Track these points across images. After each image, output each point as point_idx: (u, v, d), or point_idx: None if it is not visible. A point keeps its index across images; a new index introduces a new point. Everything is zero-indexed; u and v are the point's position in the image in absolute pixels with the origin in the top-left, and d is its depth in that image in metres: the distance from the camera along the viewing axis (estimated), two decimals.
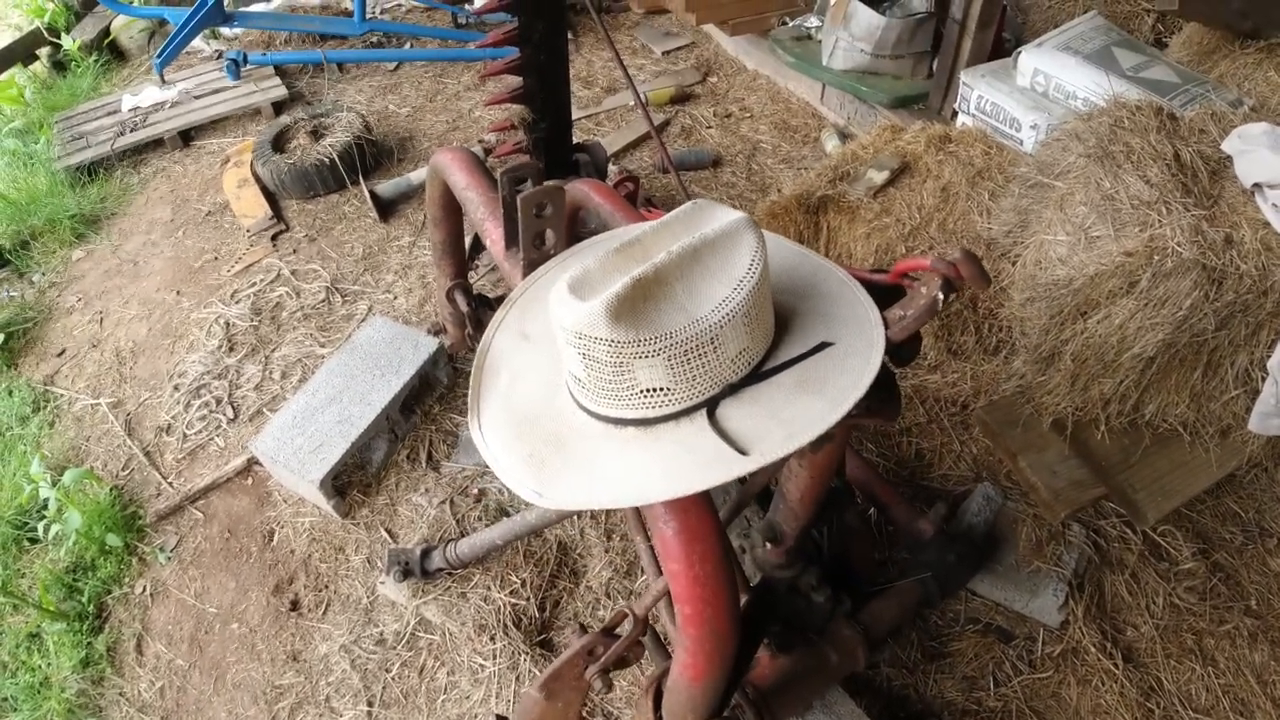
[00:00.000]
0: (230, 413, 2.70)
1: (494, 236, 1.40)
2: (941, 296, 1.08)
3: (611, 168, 3.18)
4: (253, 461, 2.50)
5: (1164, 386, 1.85)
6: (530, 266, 1.27)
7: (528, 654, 2.02)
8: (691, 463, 0.93)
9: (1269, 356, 1.71)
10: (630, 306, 0.91)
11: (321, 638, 2.16)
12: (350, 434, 2.25)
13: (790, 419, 0.96)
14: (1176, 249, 1.60)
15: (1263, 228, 1.63)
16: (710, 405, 0.99)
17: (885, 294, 1.32)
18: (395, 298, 3.02)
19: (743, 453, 0.93)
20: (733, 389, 1.00)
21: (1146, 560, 2.10)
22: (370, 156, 3.67)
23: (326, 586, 2.26)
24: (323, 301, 3.05)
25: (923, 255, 1.12)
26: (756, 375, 1.01)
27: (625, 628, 1.26)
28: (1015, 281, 2.12)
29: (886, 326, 1.09)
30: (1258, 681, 1.92)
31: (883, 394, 1.13)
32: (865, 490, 2.01)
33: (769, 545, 1.54)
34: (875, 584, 2.05)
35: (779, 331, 1.07)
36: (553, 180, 2.61)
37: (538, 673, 1.99)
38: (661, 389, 0.96)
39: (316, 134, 3.69)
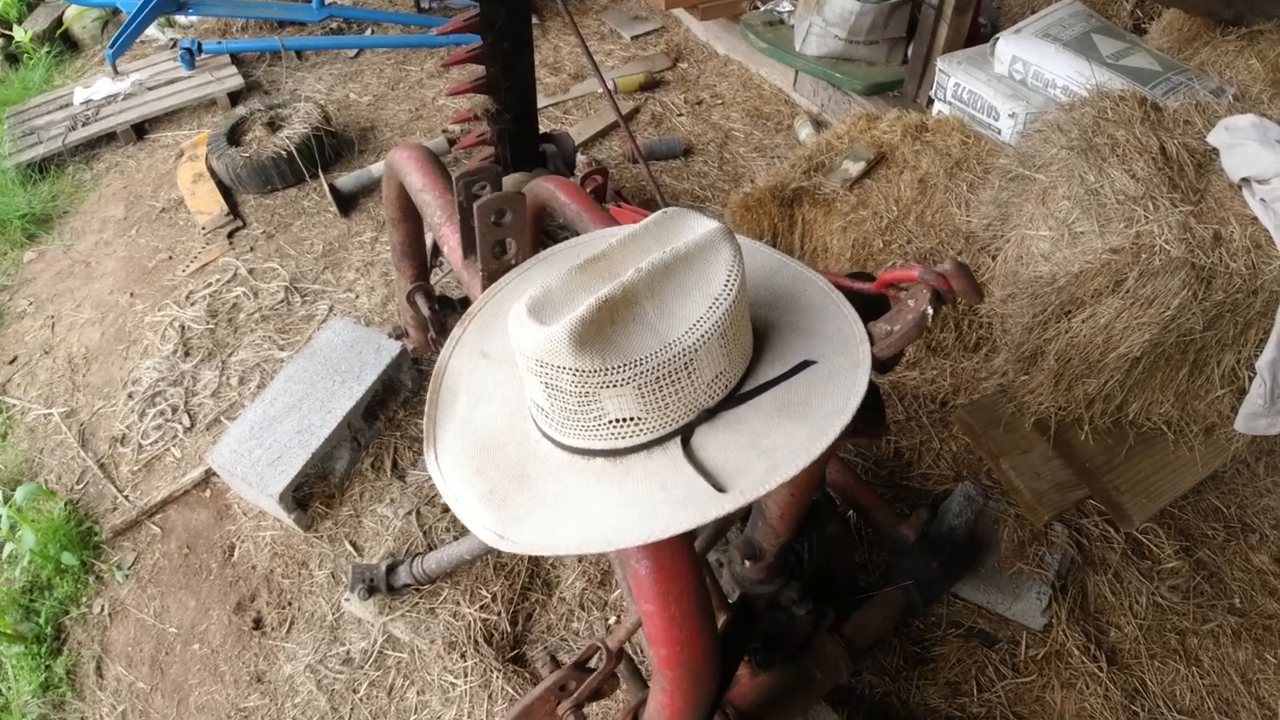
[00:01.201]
0: (186, 421, 2.59)
1: (451, 243, 1.31)
2: (930, 311, 1.02)
3: (580, 158, 3.08)
4: (210, 473, 2.40)
5: (1148, 386, 1.81)
6: (490, 278, 1.19)
7: (500, 671, 1.95)
8: (665, 501, 0.86)
9: (1257, 356, 1.67)
10: (596, 331, 0.84)
11: (286, 658, 2.08)
12: (310, 444, 2.15)
13: (771, 448, 0.89)
14: (1164, 247, 1.55)
15: (1251, 224, 1.58)
16: (685, 434, 0.91)
17: (870, 303, 1.25)
18: (357, 296, 2.92)
19: (721, 489, 0.86)
20: (709, 414, 0.92)
21: (1129, 559, 2.06)
22: (330, 148, 3.54)
23: (290, 604, 2.17)
24: (281, 302, 2.93)
25: (910, 265, 1.05)
26: (734, 398, 0.94)
27: (598, 661, 1.19)
28: (996, 277, 2.07)
29: (872, 342, 1.03)
30: (1242, 680, 1.90)
31: (868, 412, 1.06)
32: (845, 494, 1.96)
33: (748, 562, 1.48)
34: (857, 590, 2.00)
35: (758, 348, 1.00)
36: (519, 173, 2.54)
37: (511, 690, 1.93)
38: (632, 419, 0.88)
39: (273, 125, 3.55)
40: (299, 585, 2.19)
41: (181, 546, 2.34)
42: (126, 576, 2.29)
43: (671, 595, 0.95)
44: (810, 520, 1.49)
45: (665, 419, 0.90)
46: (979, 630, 2.01)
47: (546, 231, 2.36)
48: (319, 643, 2.08)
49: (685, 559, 0.95)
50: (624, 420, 0.88)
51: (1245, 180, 1.64)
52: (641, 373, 0.85)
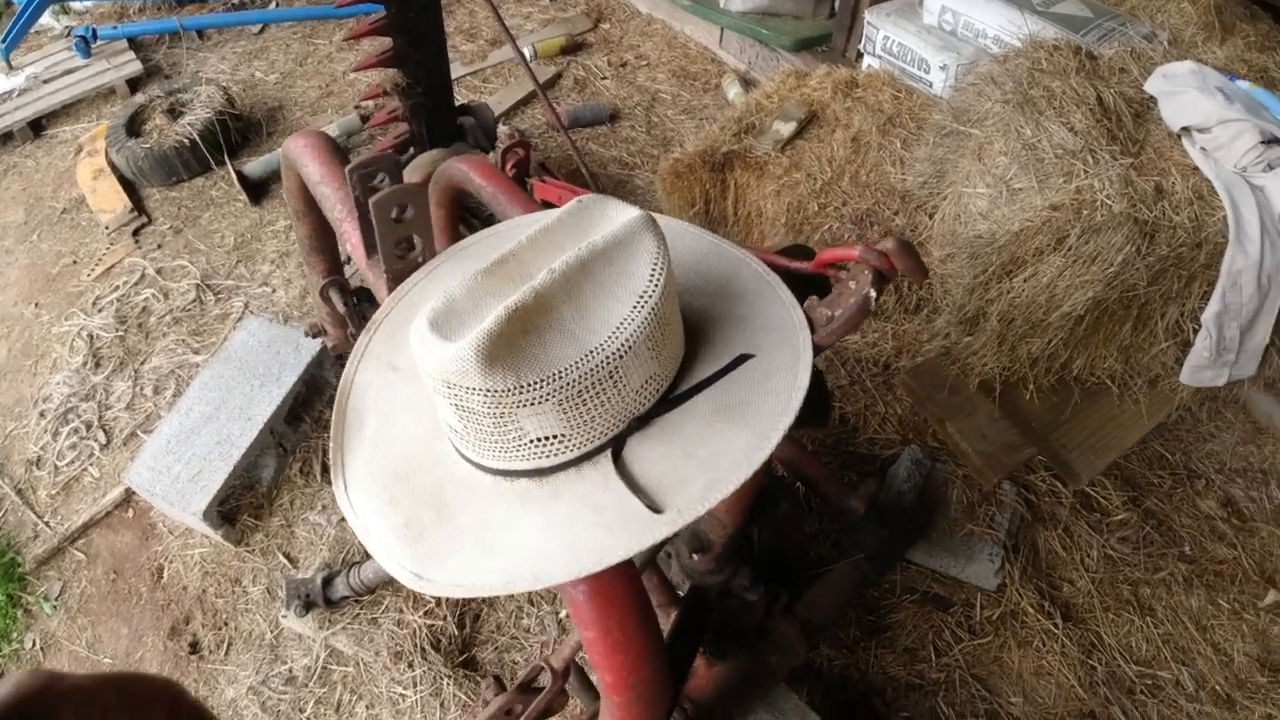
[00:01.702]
0: (102, 438, 2.43)
1: (353, 241, 1.20)
2: (874, 294, 0.95)
3: (501, 129, 2.95)
4: (131, 492, 2.25)
5: (1092, 342, 1.78)
6: (395, 279, 1.08)
7: (450, 677, 1.87)
8: (596, 525, 0.78)
9: (1201, 308, 1.65)
10: (507, 344, 0.75)
11: (227, 680, 1.96)
12: (232, 455, 2.02)
13: (710, 458, 0.82)
14: (1106, 202, 1.50)
15: (1192, 174, 1.55)
16: (615, 446, 0.84)
17: (809, 284, 1.18)
18: (273, 290, 2.76)
19: (657, 509, 0.78)
20: (641, 423, 0.85)
21: (1078, 513, 2.06)
22: (236, 132, 3.34)
23: (226, 624, 2.05)
24: (194, 302, 2.76)
25: (850, 243, 0.98)
26: (667, 402, 0.87)
27: (544, 680, 1.12)
28: (934, 236, 2.02)
29: (813, 330, 0.95)
30: (1196, 628, 1.91)
31: (813, 402, 0.99)
32: (791, 467, 1.90)
33: (695, 555, 1.42)
34: (809, 564, 1.97)
35: (691, 342, 0.92)
36: (436, 149, 2.41)
37: (463, 696, 1.86)
38: (555, 436, 0.80)
39: (174, 112, 3.33)
40: (234, 604, 2.08)
41: (108, 572, 2.20)
42: (55, 608, 2.15)
43: (613, 620, 0.88)
44: (760, 504, 1.43)
45: (592, 433, 0.82)
46: (933, 595, 1.99)
47: (470, 209, 2.24)
48: (260, 663, 1.97)
49: (625, 580, 0.88)
50: (547, 439, 0.80)
51: (1185, 129, 1.61)
52: (562, 387, 0.76)
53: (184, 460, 2.04)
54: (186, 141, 3.15)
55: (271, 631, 2.01)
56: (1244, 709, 1.81)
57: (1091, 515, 2.06)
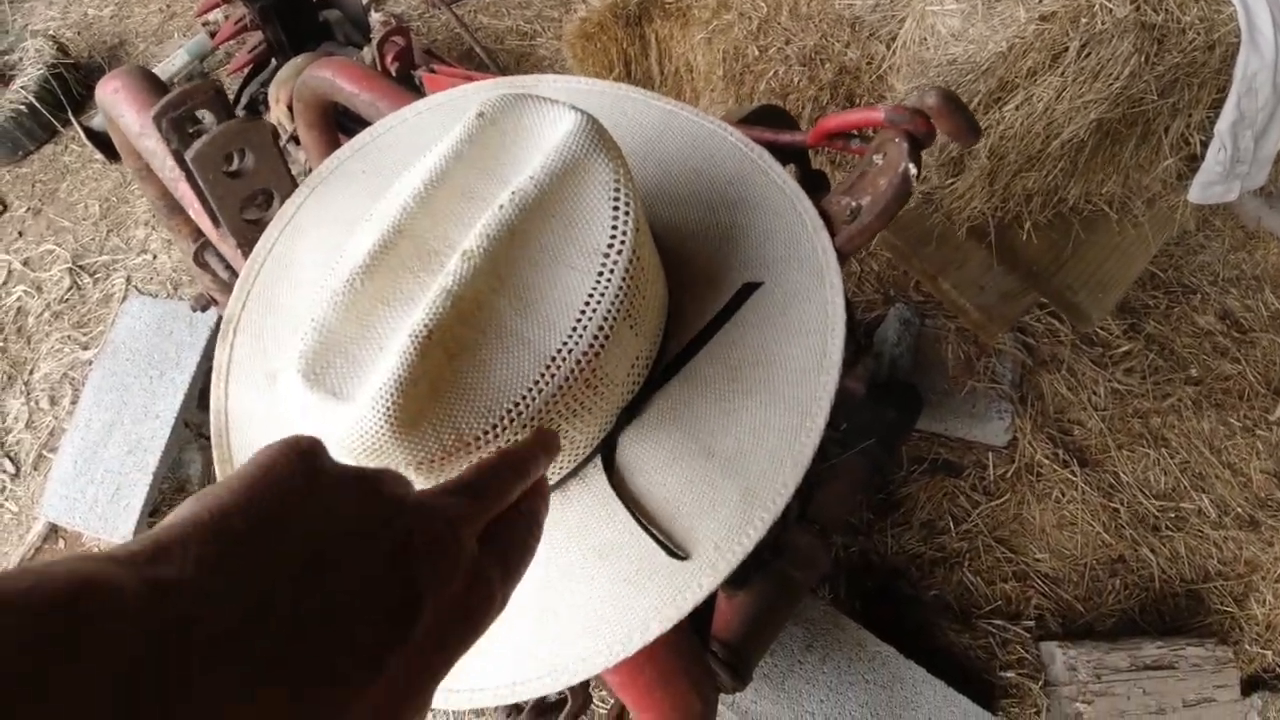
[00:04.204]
0: (10, 467, 2.12)
1: (196, 207, 0.91)
2: (914, 170, 0.71)
3: (374, 17, 2.55)
4: (53, 524, 1.99)
5: (1091, 167, 1.58)
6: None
7: None
8: (615, 581, 0.57)
9: (1209, 118, 1.45)
10: (431, 387, 0.51)
11: None
12: (148, 464, 1.76)
13: (737, 455, 0.61)
14: (1106, 5, 1.26)
15: None
16: (604, 450, 0.62)
17: (786, 159, 0.93)
18: (155, 257, 2.40)
19: (679, 552, 0.57)
20: (632, 411, 0.63)
21: (1080, 351, 1.93)
22: (76, 84, 2.86)
23: None
24: (70, 289, 2.39)
25: (867, 105, 0.73)
26: (662, 371, 0.64)
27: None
28: (897, 67, 1.76)
29: (831, 230, 0.72)
30: (1210, 450, 1.82)
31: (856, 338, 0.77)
32: None
33: None
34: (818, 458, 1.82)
35: (670, 275, 0.69)
36: (301, 55, 2.04)
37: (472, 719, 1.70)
38: None
39: (3, 78, 2.84)
40: None
41: None
42: None
43: (641, 658, 0.68)
44: None
45: (573, 451, 0.60)
46: (943, 461, 1.87)
47: (355, 117, 1.91)
48: None
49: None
50: None
51: None
52: (525, 424, 0.53)
53: (97, 480, 1.77)
54: (24, 108, 2.69)
55: None
56: (1269, 528, 1.75)
57: (1093, 350, 1.93)
